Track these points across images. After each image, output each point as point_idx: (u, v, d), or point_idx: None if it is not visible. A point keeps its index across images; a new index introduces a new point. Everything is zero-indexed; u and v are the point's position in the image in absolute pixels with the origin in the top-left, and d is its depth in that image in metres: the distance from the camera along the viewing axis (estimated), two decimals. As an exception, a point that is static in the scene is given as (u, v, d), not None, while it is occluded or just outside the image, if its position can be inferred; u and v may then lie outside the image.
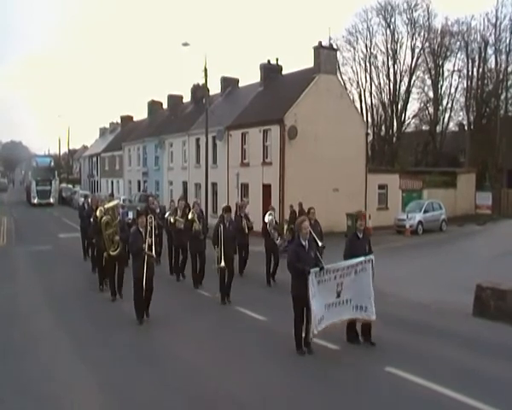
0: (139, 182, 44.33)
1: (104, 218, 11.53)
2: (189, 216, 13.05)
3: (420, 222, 27.29)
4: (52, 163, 52.01)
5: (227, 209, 11.92)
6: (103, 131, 65.48)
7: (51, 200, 47.79)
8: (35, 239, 23.26)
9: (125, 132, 52.98)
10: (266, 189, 26.35)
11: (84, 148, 78.88)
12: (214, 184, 30.53)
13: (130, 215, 18.35)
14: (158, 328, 9.52)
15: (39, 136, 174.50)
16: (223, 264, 11.12)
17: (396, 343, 8.57)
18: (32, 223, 32.22)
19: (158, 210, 16.19)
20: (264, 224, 14.27)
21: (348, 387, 6.77)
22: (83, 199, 44.36)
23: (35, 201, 46.81)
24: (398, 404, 6.29)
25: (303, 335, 7.90)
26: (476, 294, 10.44)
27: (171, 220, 14.09)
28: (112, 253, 11.44)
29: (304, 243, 7.91)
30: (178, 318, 10.34)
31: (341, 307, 8.15)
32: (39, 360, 7.83)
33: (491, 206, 35.26)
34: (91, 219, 13.58)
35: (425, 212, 27.93)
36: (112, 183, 52.10)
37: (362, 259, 8.28)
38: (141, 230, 9.72)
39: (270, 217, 14.23)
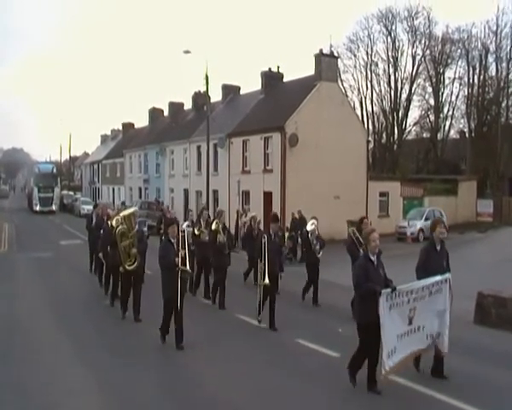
0: (140, 189, 44.44)
1: (120, 228, 10.10)
2: (213, 226, 11.68)
3: (421, 230, 27.26)
4: (54, 170, 51.47)
5: (274, 219, 10.28)
6: (104, 138, 65.66)
7: (53, 207, 47.23)
8: (36, 246, 23.26)
9: (126, 139, 53.15)
10: (267, 196, 26.38)
11: (86, 155, 79.05)
12: (215, 192, 30.57)
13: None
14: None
15: (40, 142, 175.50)
16: (267, 281, 9.55)
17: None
18: (34, 230, 32.23)
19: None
20: (307, 233, 12.55)
21: (349, 394, 6.74)
22: (89, 207, 44.49)
23: (37, 208, 46.25)
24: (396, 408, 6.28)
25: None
26: (477, 301, 10.42)
27: (195, 232, 12.36)
28: (128, 267, 10.02)
29: (373, 258, 6.71)
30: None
31: (413, 335, 6.78)
32: (40, 362, 7.81)
33: (493, 213, 35.27)
34: (101, 231, 12.41)
35: (426, 219, 27.88)
36: (113, 190, 52.21)
37: (438, 278, 6.99)
38: (172, 241, 8.44)
39: (313, 226, 12.39)
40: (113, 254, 10.68)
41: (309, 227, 12.47)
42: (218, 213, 12.32)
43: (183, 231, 8.90)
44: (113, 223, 10.77)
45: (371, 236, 6.78)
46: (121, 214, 10.59)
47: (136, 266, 10.08)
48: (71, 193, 56.90)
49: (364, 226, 10.40)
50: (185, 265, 8.33)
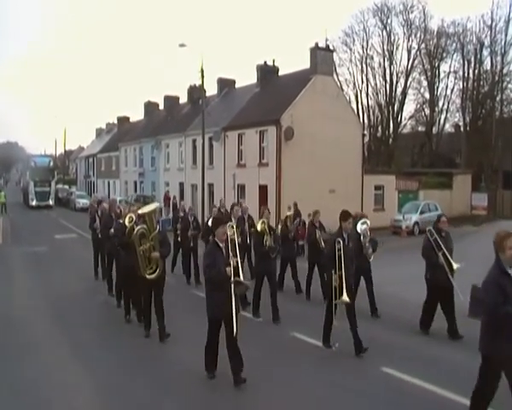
0: (135, 183, 44.35)
1: (139, 228, 8.50)
2: (259, 227, 10.06)
3: (416, 223, 27.39)
4: (51, 163, 49.91)
5: (346, 216, 8.15)
6: (100, 132, 65.41)
7: (50, 202, 45.64)
8: (31, 240, 23.20)
9: (121, 133, 52.99)
10: (263, 190, 26.38)
11: (81, 148, 78.71)
12: (211, 185, 30.55)
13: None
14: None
15: (35, 136, 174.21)
16: (345, 297, 7.75)
17: (392, 343, 8.61)
18: (29, 224, 32.11)
19: (192, 218, 13.91)
20: (358, 236, 10.12)
21: (345, 387, 6.80)
22: (84, 201, 43.88)
23: (33, 203, 44.69)
24: (394, 404, 6.32)
25: None
26: (471, 294, 10.48)
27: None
28: (148, 276, 8.42)
29: (510, 272, 5.11)
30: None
31: None
32: (35, 360, 7.80)
33: (487, 207, 35.41)
34: (112, 230, 11.29)
35: (421, 213, 28.04)
36: (108, 183, 52.09)
37: None
38: (220, 245, 6.76)
39: (364, 226, 10.16)
40: (127, 257, 9.34)
41: (359, 228, 10.15)
42: (263, 211, 10.49)
43: (234, 233, 7.13)
44: (126, 221, 9.37)
45: (507, 241, 5.14)
46: (140, 211, 8.91)
47: (157, 275, 8.45)
48: (66, 187, 56.58)
49: (442, 225, 8.94)
50: (238, 275, 6.60)
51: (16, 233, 26.27)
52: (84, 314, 10.65)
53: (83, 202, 44.41)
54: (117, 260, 10.84)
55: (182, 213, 14.60)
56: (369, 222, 10.35)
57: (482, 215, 34.02)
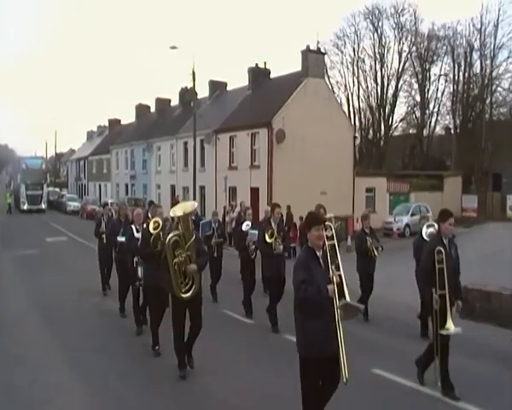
0: (127, 185, 44.25)
1: (171, 235, 6.70)
2: None
3: (407, 225, 27.53)
4: (43, 165, 48.60)
5: (445, 216, 6.44)
6: (91, 135, 65.26)
7: (43, 205, 44.24)
8: (22, 243, 23.02)
9: (112, 136, 52.88)
10: (254, 192, 26.41)
11: (72, 151, 78.42)
12: (202, 188, 30.55)
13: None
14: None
15: (26, 139, 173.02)
16: (451, 325, 6.22)
17: (383, 345, 8.63)
18: (19, 227, 31.87)
19: (216, 224, 12.39)
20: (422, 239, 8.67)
21: (340, 392, 6.79)
22: (76, 204, 43.73)
23: (25, 207, 43.34)
24: (385, 405, 6.34)
25: None
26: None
27: (267, 240, 9.22)
28: (183, 295, 6.68)
29: None
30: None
31: None
32: (30, 364, 7.75)
33: (477, 209, 35.66)
34: (118, 238, 10.28)
35: (412, 215, 28.19)
36: (99, 186, 51.93)
37: None
38: (317, 254, 4.93)
39: (431, 229, 8.48)
40: (149, 271, 7.94)
41: (425, 232, 8.70)
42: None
43: (332, 236, 5.25)
44: (151, 227, 7.81)
45: None
46: (172, 213, 6.92)
47: (194, 292, 6.75)
48: (57, 190, 56.29)
49: None
50: (344, 296, 4.77)
51: (6, 236, 26.04)
52: (78, 318, 10.53)
53: (74, 204, 44.24)
54: (127, 272, 9.60)
55: (194, 217, 12.62)
56: (436, 226, 7.97)
57: (472, 217, 34.25)
